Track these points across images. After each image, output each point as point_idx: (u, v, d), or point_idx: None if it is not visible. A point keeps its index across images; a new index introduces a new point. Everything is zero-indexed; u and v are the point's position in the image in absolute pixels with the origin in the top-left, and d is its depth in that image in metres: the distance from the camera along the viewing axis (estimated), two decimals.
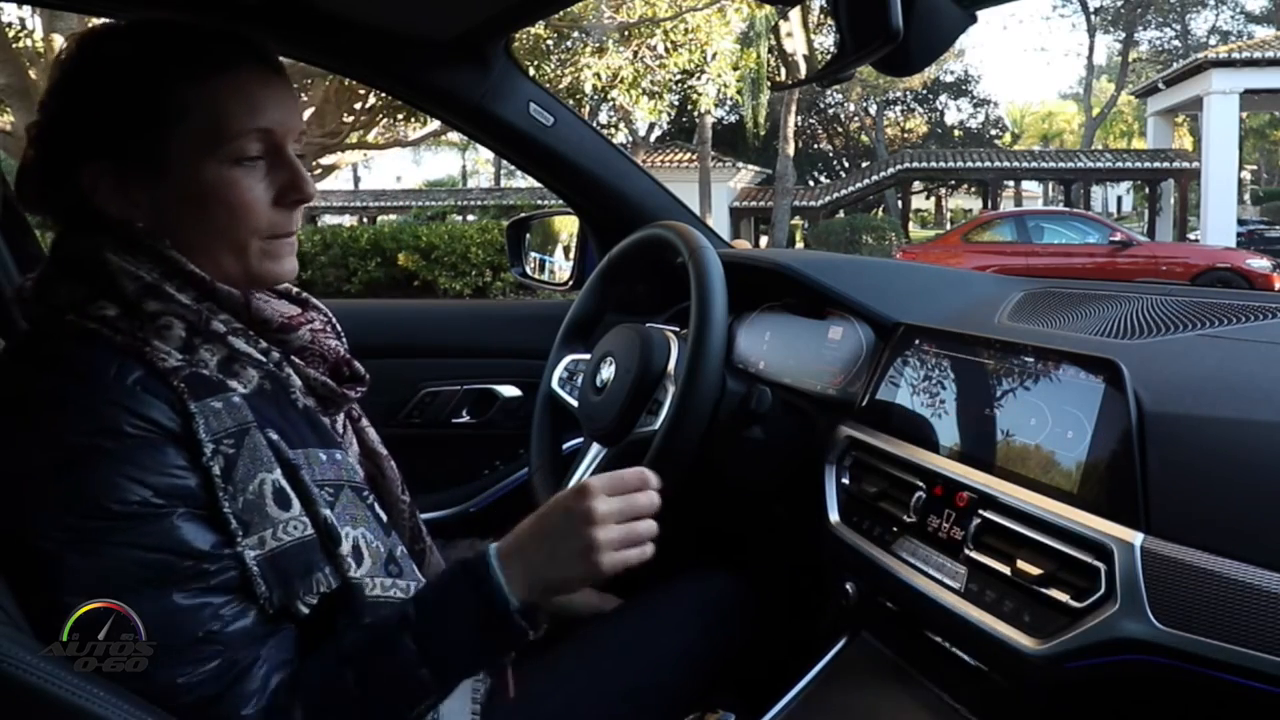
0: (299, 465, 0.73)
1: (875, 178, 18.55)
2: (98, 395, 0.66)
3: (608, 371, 1.11)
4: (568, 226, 1.71)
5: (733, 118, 22.55)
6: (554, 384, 1.26)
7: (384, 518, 0.81)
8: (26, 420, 0.66)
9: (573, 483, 1.12)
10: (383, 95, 7.83)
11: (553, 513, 0.78)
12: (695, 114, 14.49)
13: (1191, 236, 17.09)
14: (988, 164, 18.85)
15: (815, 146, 28.67)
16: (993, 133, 31.97)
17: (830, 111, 28.63)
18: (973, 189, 28.20)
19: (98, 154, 0.72)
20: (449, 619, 0.72)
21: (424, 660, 0.70)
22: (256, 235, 0.75)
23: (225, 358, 0.73)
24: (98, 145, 0.72)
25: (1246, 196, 26.65)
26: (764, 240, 17.48)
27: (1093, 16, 27.76)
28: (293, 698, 0.68)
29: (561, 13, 5.63)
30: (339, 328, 0.88)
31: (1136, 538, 0.66)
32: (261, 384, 0.75)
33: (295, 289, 0.87)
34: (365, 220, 18.87)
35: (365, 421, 0.92)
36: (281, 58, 0.79)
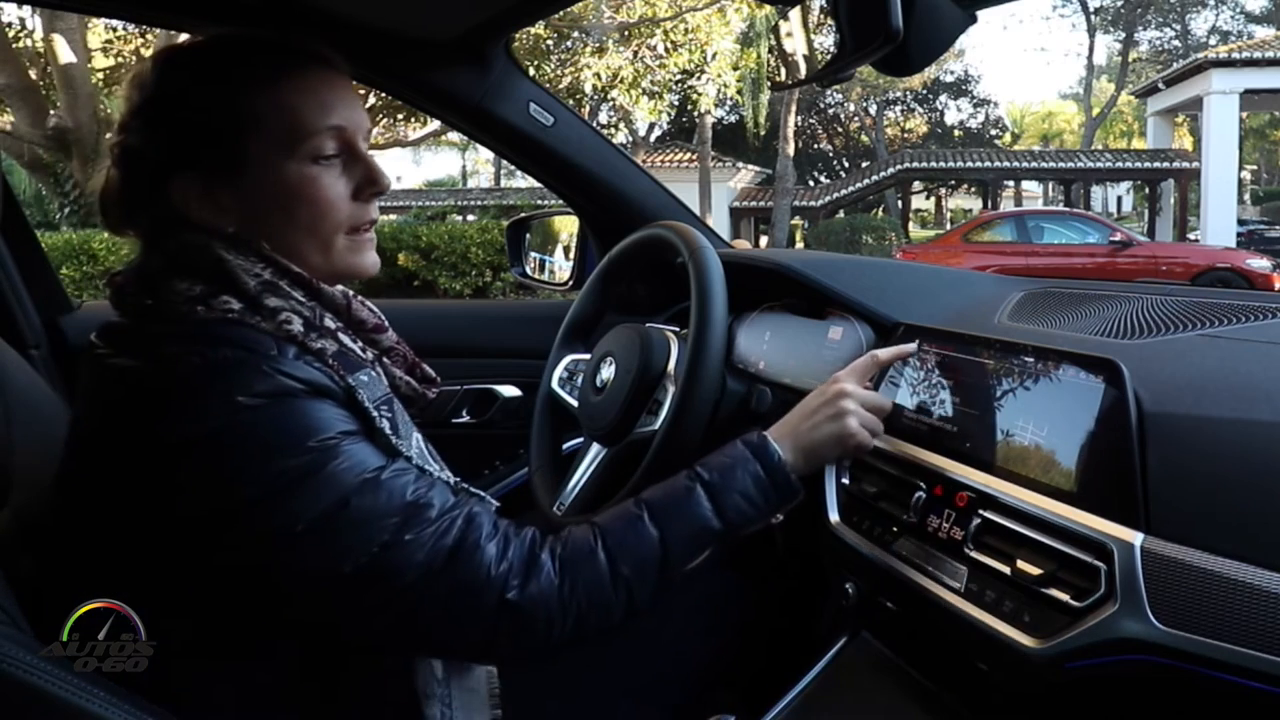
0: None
1: (875, 178, 18.55)
2: (268, 364, 0.68)
3: (608, 371, 1.11)
4: (568, 226, 1.71)
5: (733, 118, 22.56)
6: (554, 384, 1.26)
7: None
8: (199, 388, 0.67)
9: (572, 483, 1.12)
10: (383, 95, 7.83)
11: (814, 401, 0.91)
12: (695, 114, 14.51)
13: (1191, 236, 17.08)
14: (988, 164, 18.85)
15: (815, 146, 28.66)
16: (993, 133, 31.97)
17: (830, 111, 28.64)
18: (973, 189, 28.24)
19: (183, 166, 0.75)
20: (736, 478, 0.83)
21: (715, 510, 0.81)
22: (340, 230, 0.79)
23: (337, 351, 0.76)
24: (182, 159, 0.75)
25: (1246, 196, 26.67)
26: (764, 240, 17.46)
27: (1093, 16, 27.75)
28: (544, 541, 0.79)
29: (561, 13, 5.63)
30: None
31: (1136, 537, 0.66)
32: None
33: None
34: None
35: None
36: None
